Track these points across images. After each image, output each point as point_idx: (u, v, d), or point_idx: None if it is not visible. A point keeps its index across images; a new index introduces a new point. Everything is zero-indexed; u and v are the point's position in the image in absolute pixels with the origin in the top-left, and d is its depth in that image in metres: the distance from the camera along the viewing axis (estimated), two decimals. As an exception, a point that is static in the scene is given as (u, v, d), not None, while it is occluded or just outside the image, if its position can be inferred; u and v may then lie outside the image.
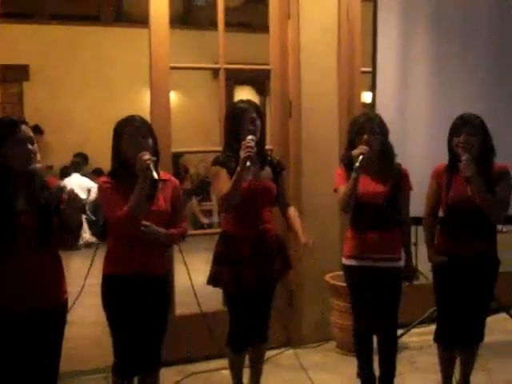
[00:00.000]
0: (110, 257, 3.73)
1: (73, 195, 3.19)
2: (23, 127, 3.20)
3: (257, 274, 4.07)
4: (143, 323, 3.69)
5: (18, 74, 10.76)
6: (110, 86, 12.03)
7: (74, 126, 11.62)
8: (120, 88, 12.11)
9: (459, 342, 4.31)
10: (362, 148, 4.05)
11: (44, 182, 3.26)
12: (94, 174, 10.83)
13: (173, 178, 3.92)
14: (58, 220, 3.25)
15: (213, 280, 4.17)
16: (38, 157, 3.24)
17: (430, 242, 4.33)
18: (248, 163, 3.84)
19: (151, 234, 3.60)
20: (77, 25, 11.93)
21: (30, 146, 3.19)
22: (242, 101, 4.24)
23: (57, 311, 3.35)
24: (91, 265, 3.87)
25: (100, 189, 3.71)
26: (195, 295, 4.05)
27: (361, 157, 4.00)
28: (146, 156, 3.50)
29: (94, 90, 11.94)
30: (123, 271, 3.65)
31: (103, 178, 3.75)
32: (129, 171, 3.58)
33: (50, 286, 3.28)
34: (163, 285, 3.80)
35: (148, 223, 3.57)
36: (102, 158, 11.08)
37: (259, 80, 12.80)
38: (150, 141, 3.65)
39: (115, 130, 3.70)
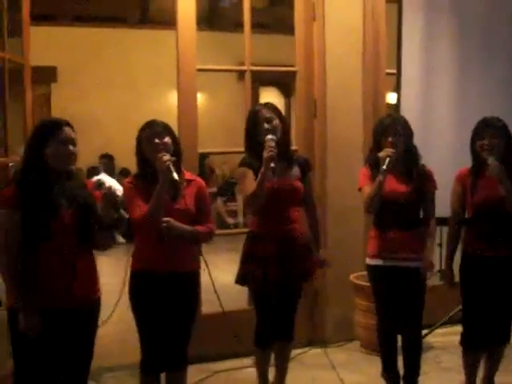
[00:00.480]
0: (137, 254, 3.81)
1: (110, 190, 3.34)
2: (66, 129, 3.32)
3: (283, 273, 4.11)
4: (170, 320, 3.75)
5: (46, 75, 10.90)
6: (135, 87, 12.11)
7: (100, 128, 11.72)
8: (145, 90, 12.19)
9: (485, 345, 4.33)
10: (389, 151, 4.08)
11: (83, 182, 3.37)
12: (121, 175, 10.92)
13: (198, 179, 3.99)
14: (95, 219, 3.35)
15: (241, 279, 4.24)
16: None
17: (450, 251, 4.36)
18: (272, 164, 3.89)
19: (173, 228, 3.65)
20: (103, 27, 12.01)
21: (71, 148, 3.30)
22: (260, 103, 4.37)
23: (91, 308, 3.45)
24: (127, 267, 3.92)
25: (124, 189, 3.81)
26: (215, 293, 4.09)
27: (387, 159, 4.04)
28: (166, 157, 3.58)
29: (120, 92, 12.03)
30: (150, 267, 3.72)
31: (128, 179, 3.86)
32: (152, 173, 3.67)
33: (86, 284, 3.38)
34: (190, 282, 3.86)
35: (167, 218, 3.63)
36: (127, 159, 11.17)
37: (284, 81, 12.83)
38: (168, 140, 3.73)
39: (137, 137, 3.81)
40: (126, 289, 3.81)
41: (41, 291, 3.25)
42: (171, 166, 3.56)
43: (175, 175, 3.55)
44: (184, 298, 3.80)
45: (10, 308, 3.31)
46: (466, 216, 4.33)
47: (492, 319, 4.25)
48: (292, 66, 5.70)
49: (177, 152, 3.75)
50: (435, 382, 4.75)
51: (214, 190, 11.76)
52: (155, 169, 3.63)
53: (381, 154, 4.09)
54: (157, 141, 3.68)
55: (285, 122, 4.23)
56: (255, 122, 4.12)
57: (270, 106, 4.21)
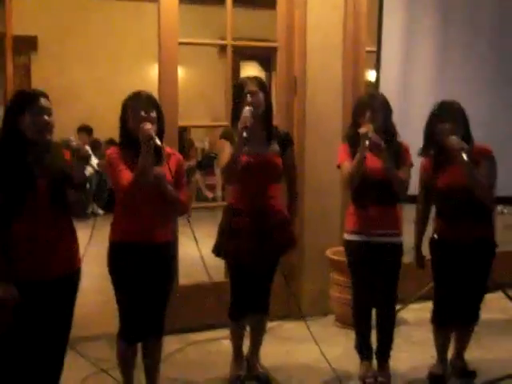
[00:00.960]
0: (116, 224, 3.85)
1: (77, 145, 3.37)
2: (42, 99, 3.35)
3: (257, 247, 4.18)
4: (148, 290, 3.81)
5: (26, 45, 10.80)
6: (117, 59, 12.04)
7: (81, 99, 11.67)
8: (128, 62, 12.12)
9: (455, 322, 4.43)
10: (368, 127, 4.11)
11: (59, 151, 3.39)
12: (109, 144, 10.97)
13: (177, 153, 4.04)
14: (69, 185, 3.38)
15: (216, 250, 4.30)
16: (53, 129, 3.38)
17: (419, 233, 4.48)
18: (244, 134, 3.93)
19: (162, 179, 3.70)
20: (86, -3, 11.93)
21: (46, 118, 3.33)
22: (246, 76, 4.40)
23: (70, 279, 3.50)
24: (91, 234, 3.95)
25: (108, 159, 3.82)
26: (204, 264, 4.14)
27: (368, 134, 4.06)
28: (148, 126, 3.62)
29: (102, 64, 11.95)
30: (129, 238, 3.77)
31: (111, 149, 3.88)
32: (135, 143, 3.69)
33: (64, 254, 3.43)
34: (168, 253, 3.91)
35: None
36: (108, 130, 11.22)
37: (265, 56, 12.82)
38: (154, 113, 3.76)
39: (123, 104, 3.83)
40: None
41: (19, 264, 3.28)
42: (153, 134, 3.58)
43: (158, 141, 3.59)
44: (161, 269, 3.85)
45: None
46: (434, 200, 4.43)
47: (461, 299, 4.35)
48: (273, 41, 5.72)
49: (160, 126, 3.79)
50: (407, 355, 4.84)
51: (194, 163, 11.78)
52: (137, 137, 3.65)
53: (361, 131, 4.12)
54: (143, 114, 3.70)
55: (269, 96, 4.27)
56: (240, 95, 4.16)
57: (255, 80, 4.24)
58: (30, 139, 3.31)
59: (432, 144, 4.28)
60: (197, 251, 4.21)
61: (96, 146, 11.03)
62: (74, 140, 3.41)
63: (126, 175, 3.65)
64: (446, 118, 4.18)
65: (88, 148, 3.55)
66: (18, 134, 3.31)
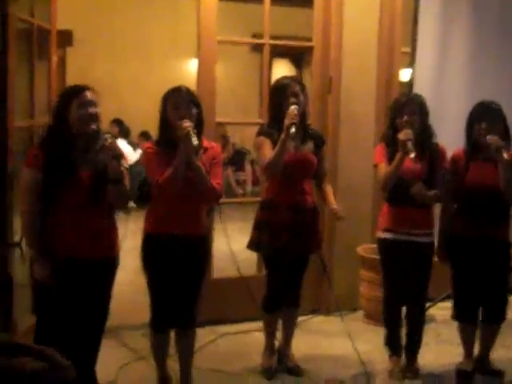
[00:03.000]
0: (151, 216, 3.95)
1: (111, 143, 3.47)
2: (87, 92, 3.49)
3: (294, 241, 4.29)
4: (179, 281, 3.91)
5: (62, 39, 10.91)
6: (150, 54, 12.12)
7: (113, 93, 11.78)
8: (160, 57, 12.20)
9: (475, 320, 4.49)
10: (408, 133, 4.17)
11: (105, 146, 3.51)
12: (142, 138, 11.11)
13: (215, 146, 4.11)
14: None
15: (253, 245, 4.40)
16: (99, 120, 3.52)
17: (444, 226, 4.50)
18: (293, 129, 4.02)
19: (200, 171, 3.77)
20: (120, -7, 12.05)
21: (90, 109, 3.46)
22: (285, 76, 4.47)
23: (109, 263, 3.65)
24: (126, 229, 4.05)
25: (144, 154, 3.96)
26: (235, 258, 4.21)
27: (409, 143, 4.12)
28: (187, 123, 3.69)
29: (135, 58, 12.05)
30: (163, 230, 3.87)
31: (148, 144, 3.99)
32: (173, 138, 3.78)
33: (103, 240, 3.58)
34: (201, 245, 4.00)
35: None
36: (139, 124, 11.33)
37: (296, 53, 12.87)
38: (194, 110, 3.84)
39: (162, 99, 3.90)
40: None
41: (64, 242, 3.46)
42: (191, 132, 3.66)
43: (194, 140, 3.65)
44: (194, 260, 3.95)
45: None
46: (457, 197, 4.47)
47: (481, 296, 4.43)
48: (306, 38, 5.78)
49: (199, 122, 3.87)
50: (435, 352, 4.90)
51: (226, 159, 11.87)
52: (176, 134, 3.74)
53: (401, 137, 4.17)
54: (183, 110, 3.78)
55: (307, 97, 4.36)
56: (282, 95, 4.24)
57: (297, 81, 4.35)
58: (76, 131, 3.46)
59: (472, 145, 4.34)
60: (228, 246, 4.30)
61: (126, 134, 11.22)
62: (109, 138, 3.52)
63: (163, 171, 3.74)
64: (484, 117, 4.24)
65: (120, 148, 3.63)
66: (65, 126, 3.46)
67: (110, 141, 3.47)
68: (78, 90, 3.51)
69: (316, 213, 4.45)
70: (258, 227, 4.40)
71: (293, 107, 4.12)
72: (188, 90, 3.90)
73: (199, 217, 3.97)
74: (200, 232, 3.98)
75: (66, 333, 3.49)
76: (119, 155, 3.50)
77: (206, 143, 3.97)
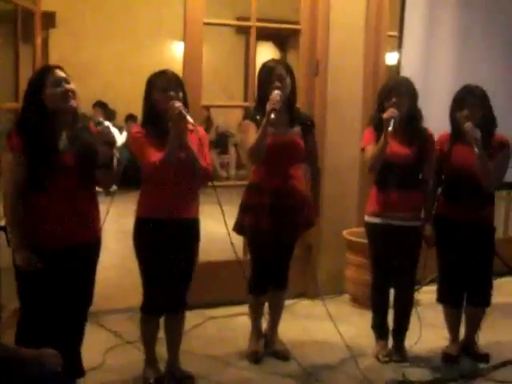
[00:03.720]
0: (143, 200, 3.94)
1: (106, 128, 3.50)
2: (57, 70, 3.46)
3: (277, 225, 4.27)
4: (172, 264, 3.91)
5: (45, 20, 10.79)
6: (134, 37, 12.04)
7: (97, 75, 11.71)
8: (145, 39, 12.12)
9: (460, 304, 4.52)
10: (392, 111, 4.18)
11: (86, 123, 3.48)
12: (130, 120, 11.08)
13: (200, 127, 4.10)
14: (95, 159, 3.48)
15: (238, 227, 4.39)
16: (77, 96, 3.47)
17: (430, 206, 4.50)
18: (272, 115, 3.99)
19: (192, 151, 3.77)
20: (105, -26, 11.93)
21: (66, 85, 3.43)
22: (272, 59, 4.42)
23: (91, 246, 3.62)
24: (108, 210, 4.01)
25: (133, 138, 3.90)
26: (231, 242, 4.14)
27: (392, 120, 4.13)
28: (177, 104, 3.69)
29: (119, 41, 11.97)
30: (156, 214, 3.85)
31: (135, 128, 3.94)
32: (160, 121, 3.77)
33: (87, 221, 3.55)
34: (192, 228, 4.00)
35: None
36: (124, 106, 11.25)
37: (280, 36, 12.82)
38: (181, 94, 3.82)
39: (148, 82, 3.88)
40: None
41: (44, 231, 3.42)
42: (183, 111, 3.65)
43: (189, 118, 3.65)
44: (186, 244, 3.96)
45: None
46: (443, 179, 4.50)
47: (465, 280, 4.45)
48: (291, 21, 5.75)
49: (185, 105, 3.83)
50: (421, 336, 4.92)
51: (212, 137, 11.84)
52: (163, 116, 3.74)
53: (384, 116, 4.19)
54: (172, 93, 3.76)
55: (294, 80, 4.33)
56: (268, 79, 4.20)
57: (283, 64, 4.31)
58: (53, 111, 3.42)
59: (456, 129, 4.35)
60: (214, 229, 4.28)
61: (111, 117, 11.17)
62: (104, 122, 3.50)
63: (155, 154, 3.72)
64: (465, 103, 4.25)
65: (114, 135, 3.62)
66: (40, 107, 3.42)
67: (105, 126, 3.47)
68: (47, 70, 3.48)
69: (303, 197, 4.40)
70: (243, 210, 4.39)
71: (275, 92, 4.08)
72: (174, 74, 3.90)
73: (192, 198, 3.97)
74: (193, 214, 3.98)
75: (51, 318, 3.47)
76: (112, 143, 3.49)
77: (190, 125, 3.95)
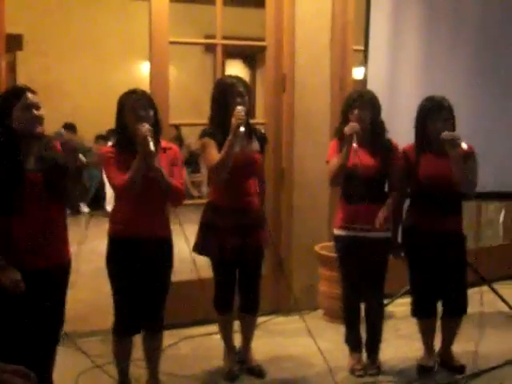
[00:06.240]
0: (114, 219, 3.93)
1: (67, 138, 3.44)
2: (29, 94, 3.41)
3: (240, 243, 4.27)
4: (147, 283, 3.90)
5: (12, 43, 10.76)
6: (102, 56, 12.00)
7: (66, 96, 11.65)
8: (112, 59, 12.09)
9: (434, 315, 4.53)
10: (353, 126, 4.19)
11: (51, 143, 3.45)
12: (99, 139, 11.06)
13: (174, 146, 4.12)
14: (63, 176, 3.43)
15: (198, 248, 4.38)
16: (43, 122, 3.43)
17: (396, 217, 4.50)
18: (242, 128, 4.01)
19: (158, 171, 3.75)
20: (70, -5, 11.90)
21: (34, 111, 3.39)
22: (230, 76, 4.44)
23: (62, 269, 3.57)
24: (86, 232, 3.99)
25: (103, 158, 3.90)
26: (193, 261, 4.18)
27: (354, 136, 4.14)
28: (145, 127, 3.69)
29: (87, 61, 11.91)
30: (128, 233, 3.85)
31: (106, 148, 3.96)
32: (131, 141, 3.77)
33: (56, 245, 3.50)
34: (166, 247, 3.99)
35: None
36: (92, 127, 11.20)
37: (249, 54, 12.88)
38: (151, 112, 3.84)
39: (118, 103, 3.90)
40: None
41: (13, 254, 3.34)
42: (148, 138, 3.66)
43: (151, 146, 3.65)
44: (161, 262, 3.96)
45: None
46: (409, 191, 4.52)
47: (438, 290, 4.46)
48: (258, 38, 5.78)
49: (156, 123, 3.86)
50: (394, 348, 4.93)
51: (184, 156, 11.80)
52: (133, 136, 3.74)
53: (346, 130, 4.20)
54: (142, 113, 3.78)
55: (251, 98, 4.36)
56: (228, 95, 4.21)
57: (242, 81, 4.32)
58: (20, 134, 3.37)
59: (424, 140, 4.37)
60: (184, 248, 4.27)
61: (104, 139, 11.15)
62: (63, 132, 3.47)
63: (120, 175, 3.73)
64: (438, 115, 4.28)
65: (77, 139, 3.60)
66: (8, 129, 3.37)
67: (64, 136, 3.43)
68: (18, 92, 3.43)
69: (261, 213, 4.43)
70: (202, 230, 4.38)
71: (240, 107, 4.09)
72: (144, 93, 3.92)
73: (163, 218, 3.98)
74: (165, 233, 3.98)
75: (22, 341, 3.40)
76: (75, 149, 3.45)
77: (164, 144, 3.99)
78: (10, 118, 3.37)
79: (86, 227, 4.01)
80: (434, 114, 4.29)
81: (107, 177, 3.92)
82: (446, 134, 4.16)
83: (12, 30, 10.68)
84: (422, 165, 4.37)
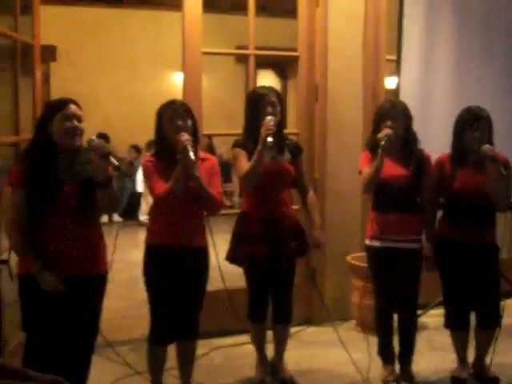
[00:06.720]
0: (152, 228, 3.97)
1: (99, 143, 3.42)
2: (72, 106, 3.45)
3: (271, 253, 4.27)
4: (182, 292, 3.92)
5: (46, 54, 10.88)
6: (134, 68, 12.13)
7: (98, 107, 11.76)
8: (143, 70, 12.22)
9: (467, 326, 4.49)
10: (387, 130, 4.20)
11: (89, 158, 3.47)
12: (134, 150, 11.16)
13: (212, 157, 4.17)
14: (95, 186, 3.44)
15: (230, 257, 4.39)
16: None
17: (429, 228, 4.47)
18: (270, 139, 4.00)
19: (197, 180, 3.78)
20: (102, 7, 11.99)
21: (75, 122, 3.42)
22: (262, 86, 4.46)
23: (100, 279, 3.60)
24: (115, 242, 4.00)
25: (143, 167, 3.97)
26: (220, 270, 4.19)
27: (385, 138, 4.15)
28: (185, 137, 3.72)
29: (118, 72, 12.06)
30: (165, 242, 3.88)
31: (147, 157, 3.99)
32: (170, 151, 3.81)
33: (93, 255, 3.52)
34: (202, 256, 4.01)
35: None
36: (125, 137, 11.29)
37: (281, 63, 12.89)
38: (190, 122, 3.88)
39: (157, 114, 3.94)
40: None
41: (52, 261, 3.37)
42: (188, 147, 3.68)
43: (192, 155, 3.67)
44: (197, 271, 3.98)
45: (21, 276, 3.45)
46: (442, 201, 4.48)
47: (471, 302, 4.42)
48: (290, 48, 5.79)
49: (195, 133, 3.90)
50: (428, 360, 4.88)
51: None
52: (173, 146, 3.77)
53: (379, 135, 4.21)
54: (180, 123, 3.82)
55: (284, 108, 4.36)
56: (259, 106, 4.22)
57: (274, 91, 4.33)
58: (59, 145, 3.41)
59: (461, 151, 4.34)
60: (218, 258, 4.29)
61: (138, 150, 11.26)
62: (96, 139, 3.48)
63: (162, 184, 3.77)
64: (476, 126, 4.25)
65: (109, 146, 3.60)
66: (48, 139, 3.41)
67: (97, 141, 3.42)
68: (62, 103, 3.46)
69: (296, 223, 4.41)
70: (234, 240, 4.39)
71: (269, 117, 4.09)
72: (182, 103, 3.98)
73: (200, 227, 4.01)
74: (201, 242, 4.01)
75: (56, 350, 3.43)
76: (107, 153, 3.43)
77: (202, 154, 4.03)
78: (51, 128, 3.41)
79: (116, 237, 4.00)
80: (472, 124, 4.26)
81: (148, 186, 3.96)
82: (487, 148, 4.13)
83: (46, 41, 10.89)
84: (459, 176, 4.34)
